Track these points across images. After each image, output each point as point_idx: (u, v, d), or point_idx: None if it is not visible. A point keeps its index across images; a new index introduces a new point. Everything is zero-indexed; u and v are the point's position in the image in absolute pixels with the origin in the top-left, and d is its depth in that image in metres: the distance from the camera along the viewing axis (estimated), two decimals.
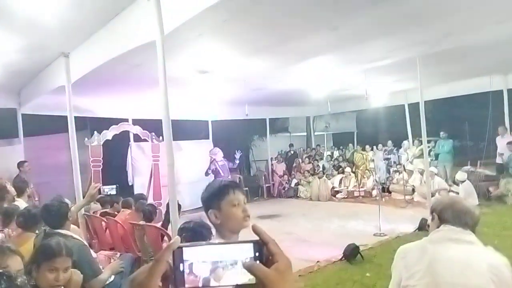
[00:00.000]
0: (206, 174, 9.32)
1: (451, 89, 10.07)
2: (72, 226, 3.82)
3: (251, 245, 0.64)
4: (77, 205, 3.95)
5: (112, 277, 2.99)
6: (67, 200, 3.71)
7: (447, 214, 1.79)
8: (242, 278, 0.62)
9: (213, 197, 1.67)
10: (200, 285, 0.62)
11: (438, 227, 1.81)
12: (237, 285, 0.62)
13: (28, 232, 3.18)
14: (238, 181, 11.84)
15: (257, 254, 0.64)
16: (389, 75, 8.17)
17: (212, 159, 9.54)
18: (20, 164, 7.14)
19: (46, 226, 2.97)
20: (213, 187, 1.70)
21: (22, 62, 5.52)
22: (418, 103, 6.35)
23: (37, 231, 3.22)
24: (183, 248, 0.62)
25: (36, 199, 6.65)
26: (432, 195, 6.80)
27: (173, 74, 5.75)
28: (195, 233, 2.22)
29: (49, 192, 6.10)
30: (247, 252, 0.63)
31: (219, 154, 9.58)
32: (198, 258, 0.62)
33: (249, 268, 0.61)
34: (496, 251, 1.73)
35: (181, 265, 0.62)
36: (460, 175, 8.14)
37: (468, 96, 10.75)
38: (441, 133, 10.49)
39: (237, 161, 10.03)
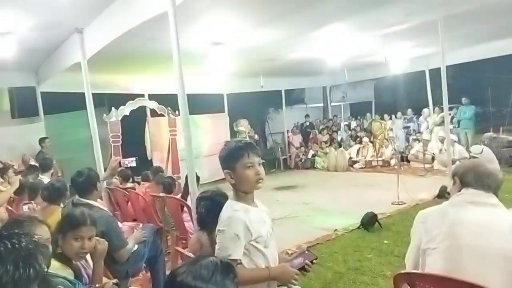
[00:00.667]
0: None
1: (473, 53, 9.66)
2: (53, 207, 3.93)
3: None
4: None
5: (136, 246, 3.09)
6: None
7: (469, 177, 1.76)
8: None
9: (229, 158, 1.72)
10: None
11: (459, 191, 1.78)
12: None
13: (53, 205, 3.29)
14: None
15: None
16: (409, 40, 7.87)
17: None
18: (41, 141, 7.35)
19: (74, 197, 3.06)
20: (229, 148, 1.74)
21: (37, 40, 5.56)
22: (439, 68, 6.12)
23: (61, 204, 3.34)
24: None
25: (59, 174, 6.88)
26: (453, 163, 6.68)
27: (186, 47, 5.70)
28: (212, 202, 2.26)
29: (72, 168, 6.29)
30: None
31: (242, 127, 10.03)
32: None
33: None
34: None
35: None
36: (475, 148, 7.94)
37: (491, 59, 10.32)
38: (463, 99, 10.19)
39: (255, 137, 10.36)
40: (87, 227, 2.07)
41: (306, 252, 1.92)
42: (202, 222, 2.31)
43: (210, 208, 2.22)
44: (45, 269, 1.19)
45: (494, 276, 1.48)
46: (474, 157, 7.99)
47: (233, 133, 11.14)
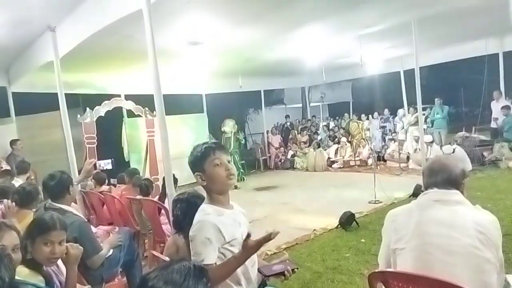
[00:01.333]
0: None
1: (446, 54, 9.97)
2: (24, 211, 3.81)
3: None
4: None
5: (111, 251, 3.02)
6: None
7: (426, 176, 1.79)
8: None
9: (196, 160, 1.73)
10: None
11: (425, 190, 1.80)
12: None
13: (24, 209, 3.18)
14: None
15: None
16: (384, 41, 8.04)
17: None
18: (12, 143, 7.11)
19: (46, 201, 2.96)
20: (196, 150, 1.75)
21: (7, 38, 5.36)
22: (413, 69, 6.27)
23: (33, 209, 3.22)
24: None
25: (32, 177, 6.65)
26: None
27: (164, 46, 5.63)
28: (189, 204, 2.23)
29: (45, 171, 6.09)
30: None
31: (227, 126, 9.77)
32: None
33: None
34: (482, 209, 1.71)
35: None
36: (446, 148, 8.21)
37: (464, 61, 10.66)
38: (436, 99, 10.45)
39: (242, 141, 10.40)
40: (57, 232, 2.01)
41: (288, 261, 1.92)
42: (179, 225, 2.27)
43: (186, 210, 2.18)
44: (7, 280, 1.13)
45: (462, 272, 1.51)
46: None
47: (220, 134, 11.07)
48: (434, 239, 1.61)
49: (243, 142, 9.99)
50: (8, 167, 5.86)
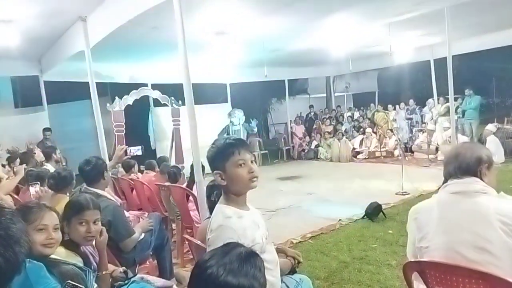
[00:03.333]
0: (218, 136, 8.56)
1: (479, 43, 9.55)
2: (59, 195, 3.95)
3: None
4: None
5: (143, 235, 3.11)
6: None
7: (445, 165, 1.72)
8: None
9: (217, 157, 1.59)
10: None
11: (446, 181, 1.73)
12: None
13: (60, 194, 3.30)
14: (247, 141, 11.93)
15: None
16: (415, 29, 7.79)
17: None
18: (44, 131, 7.36)
19: (82, 186, 3.06)
20: (217, 147, 1.61)
21: (40, 29, 5.52)
22: (444, 58, 6.09)
23: (67, 194, 3.35)
24: None
25: (64, 164, 6.90)
26: None
27: (190, 37, 5.63)
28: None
29: (76, 157, 6.30)
30: None
31: (236, 117, 8.92)
32: None
33: None
34: (507, 197, 1.62)
35: None
36: (490, 126, 7.97)
37: (496, 49, 10.19)
38: (466, 90, 10.10)
39: (255, 129, 9.84)
40: (90, 211, 2.09)
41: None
42: None
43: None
44: (22, 260, 1.13)
45: (493, 267, 1.45)
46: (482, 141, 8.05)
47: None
48: (458, 235, 1.55)
49: (255, 130, 9.23)
50: (41, 154, 6.05)
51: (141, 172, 5.85)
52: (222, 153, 1.57)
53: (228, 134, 8.39)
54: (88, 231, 2.05)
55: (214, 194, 2.26)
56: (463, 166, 1.63)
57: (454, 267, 1.50)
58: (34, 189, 3.28)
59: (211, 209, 2.31)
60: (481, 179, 1.63)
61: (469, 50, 10.07)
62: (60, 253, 1.96)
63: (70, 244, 2.03)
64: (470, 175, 1.62)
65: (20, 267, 1.07)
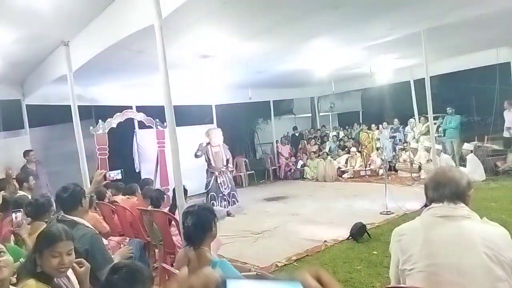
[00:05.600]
0: (196, 156, 7.57)
1: (457, 64, 9.89)
2: (91, 213, 3.91)
3: (299, 284, 0.57)
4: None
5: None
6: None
7: (430, 189, 1.71)
8: None
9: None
10: None
11: (429, 204, 1.74)
12: None
13: (37, 221, 3.23)
14: (244, 164, 11.88)
15: None
16: (393, 51, 8.04)
17: (207, 142, 7.62)
18: (25, 154, 7.22)
19: (59, 213, 3.00)
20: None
21: (22, 53, 5.50)
22: (423, 79, 6.25)
23: (46, 220, 3.27)
24: (227, 280, 0.58)
25: (47, 189, 6.75)
26: None
27: (174, 60, 5.70)
28: (199, 216, 2.23)
29: (59, 181, 6.17)
30: None
31: (216, 138, 7.59)
32: None
33: None
34: (490, 222, 1.65)
35: None
36: (466, 145, 8.13)
37: (475, 70, 10.55)
38: (448, 109, 10.36)
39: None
40: (63, 242, 2.02)
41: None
42: (189, 237, 2.27)
43: (196, 222, 2.20)
44: None
45: None
46: (462, 160, 8.18)
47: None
48: (442, 259, 1.56)
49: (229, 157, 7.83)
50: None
51: (124, 194, 5.77)
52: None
53: (207, 156, 7.58)
54: (61, 263, 1.98)
55: (187, 221, 2.23)
56: (459, 192, 1.64)
57: None
58: (16, 216, 3.16)
59: (186, 235, 2.28)
60: (467, 203, 1.66)
61: (447, 70, 10.41)
62: (31, 286, 1.90)
63: (42, 276, 1.97)
64: (461, 200, 1.64)
65: None
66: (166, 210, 4.36)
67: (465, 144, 8.36)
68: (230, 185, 7.64)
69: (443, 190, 1.66)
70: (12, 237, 3.18)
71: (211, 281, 0.59)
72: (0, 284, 1.74)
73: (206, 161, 7.62)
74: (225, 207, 7.46)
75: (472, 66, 10.06)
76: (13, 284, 1.88)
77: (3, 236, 3.58)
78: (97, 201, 5.31)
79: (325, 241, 5.05)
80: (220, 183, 7.46)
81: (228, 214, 7.45)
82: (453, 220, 1.62)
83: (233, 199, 7.63)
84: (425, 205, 5.94)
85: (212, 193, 7.43)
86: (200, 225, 2.17)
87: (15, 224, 3.02)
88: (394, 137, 11.61)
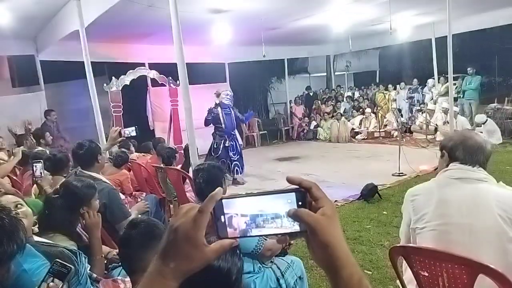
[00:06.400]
0: (206, 123, 6.95)
1: (481, 21, 9.39)
2: (123, 171, 4.04)
3: (293, 194, 0.61)
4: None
5: (139, 216, 3.14)
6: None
7: (458, 152, 1.69)
8: (283, 230, 0.61)
9: None
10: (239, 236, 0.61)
11: (447, 165, 1.74)
12: (281, 234, 0.62)
13: (56, 175, 3.32)
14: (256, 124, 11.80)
15: (300, 203, 0.61)
16: (415, 7, 7.65)
17: (216, 103, 6.94)
18: (47, 113, 7.30)
19: (77, 168, 3.07)
20: None
21: (34, 7, 5.43)
22: (445, 37, 5.98)
23: (64, 175, 3.36)
24: (223, 200, 0.61)
25: (61, 145, 6.90)
26: None
27: (186, 15, 5.56)
28: (209, 174, 2.28)
29: (74, 137, 6.29)
30: (289, 202, 0.61)
31: (225, 98, 6.86)
32: (237, 211, 0.61)
33: (296, 215, 0.59)
34: (506, 186, 1.67)
35: (221, 217, 0.61)
36: (479, 118, 7.89)
37: (498, 28, 10.05)
38: (469, 69, 9.98)
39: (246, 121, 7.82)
40: None
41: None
42: (201, 194, 2.33)
43: (208, 179, 2.25)
44: (25, 242, 1.26)
45: (485, 253, 1.49)
46: (478, 126, 7.99)
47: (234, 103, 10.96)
48: (456, 219, 1.58)
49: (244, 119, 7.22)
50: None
51: (139, 152, 5.88)
52: None
53: (218, 120, 6.81)
54: None
55: (199, 177, 2.28)
56: (486, 159, 1.67)
57: (438, 253, 1.52)
58: (36, 168, 3.20)
59: (197, 192, 2.33)
60: (485, 168, 1.68)
61: (471, 28, 9.94)
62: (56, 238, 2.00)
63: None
64: (480, 165, 1.66)
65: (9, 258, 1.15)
66: (179, 167, 4.44)
67: (477, 116, 8.10)
68: (238, 151, 6.98)
69: (477, 155, 1.67)
70: (33, 189, 3.28)
71: (193, 210, 0.61)
72: None
73: (216, 124, 6.84)
74: (236, 173, 6.85)
75: (497, 24, 9.57)
76: (36, 234, 1.98)
77: (24, 190, 3.72)
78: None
79: (335, 200, 5.11)
80: (229, 147, 6.81)
81: (236, 183, 6.76)
82: (470, 182, 1.63)
83: (236, 168, 6.89)
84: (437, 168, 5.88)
85: (222, 159, 6.71)
86: (211, 182, 2.22)
87: (37, 175, 3.10)
88: (411, 97, 11.33)
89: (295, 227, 0.60)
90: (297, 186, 0.62)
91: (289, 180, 0.63)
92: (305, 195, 0.61)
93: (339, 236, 0.61)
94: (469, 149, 1.68)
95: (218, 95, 6.94)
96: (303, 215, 0.59)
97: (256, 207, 0.61)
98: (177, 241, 0.59)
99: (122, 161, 4.36)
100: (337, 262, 0.60)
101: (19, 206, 1.92)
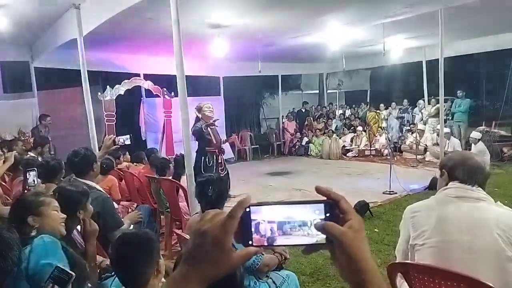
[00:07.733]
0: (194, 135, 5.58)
1: (470, 46, 9.68)
2: (110, 177, 3.99)
3: (322, 205, 0.62)
4: None
5: (131, 226, 3.11)
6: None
7: (458, 171, 1.74)
8: (310, 239, 0.61)
9: None
10: (266, 244, 0.61)
11: (446, 184, 1.78)
12: (306, 245, 0.62)
13: (48, 183, 3.28)
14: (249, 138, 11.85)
15: (327, 214, 0.61)
16: (407, 31, 7.87)
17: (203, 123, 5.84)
18: (42, 117, 7.24)
19: (70, 176, 3.04)
20: None
21: (32, 14, 5.43)
22: (435, 60, 6.15)
23: (56, 183, 3.32)
24: (251, 207, 0.61)
25: (52, 152, 6.82)
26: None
27: (184, 28, 5.60)
28: (219, 185, 2.33)
29: (65, 145, 6.23)
30: (317, 213, 0.61)
31: (208, 110, 6.01)
32: (265, 218, 0.61)
33: (323, 228, 0.60)
34: (504, 206, 1.71)
35: (249, 223, 0.61)
36: (475, 135, 8.06)
37: (486, 53, 10.35)
38: (458, 92, 10.23)
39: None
40: None
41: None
42: (211, 205, 2.32)
43: (218, 192, 2.32)
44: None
45: (483, 272, 1.50)
46: (469, 146, 8.12)
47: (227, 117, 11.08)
48: (455, 236, 1.60)
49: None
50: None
51: (132, 162, 5.83)
52: None
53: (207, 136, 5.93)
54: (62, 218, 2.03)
55: (210, 190, 2.29)
56: (480, 179, 1.72)
57: (437, 270, 1.54)
58: (30, 175, 3.16)
59: (206, 203, 2.33)
60: (483, 188, 1.73)
61: (460, 53, 10.20)
62: None
63: None
64: (479, 185, 1.71)
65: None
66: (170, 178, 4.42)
67: (473, 132, 8.27)
68: (226, 168, 6.34)
69: (476, 175, 1.71)
70: None
71: (220, 215, 0.61)
72: None
73: (203, 140, 5.87)
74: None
75: (485, 50, 9.86)
76: None
77: (14, 196, 3.65)
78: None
79: None
80: (220, 162, 6.14)
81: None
82: (469, 201, 1.66)
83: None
84: (429, 187, 5.96)
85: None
86: (220, 194, 2.30)
87: (30, 183, 3.05)
88: (402, 117, 11.53)
89: (322, 237, 0.61)
90: (325, 198, 0.63)
91: (318, 190, 0.64)
92: (334, 207, 0.62)
93: (366, 250, 0.62)
94: (469, 169, 1.72)
95: (199, 109, 6.08)
96: (329, 228, 0.60)
97: (283, 214, 0.61)
98: (204, 245, 0.59)
99: (108, 168, 4.24)
100: (363, 276, 0.60)
101: None
